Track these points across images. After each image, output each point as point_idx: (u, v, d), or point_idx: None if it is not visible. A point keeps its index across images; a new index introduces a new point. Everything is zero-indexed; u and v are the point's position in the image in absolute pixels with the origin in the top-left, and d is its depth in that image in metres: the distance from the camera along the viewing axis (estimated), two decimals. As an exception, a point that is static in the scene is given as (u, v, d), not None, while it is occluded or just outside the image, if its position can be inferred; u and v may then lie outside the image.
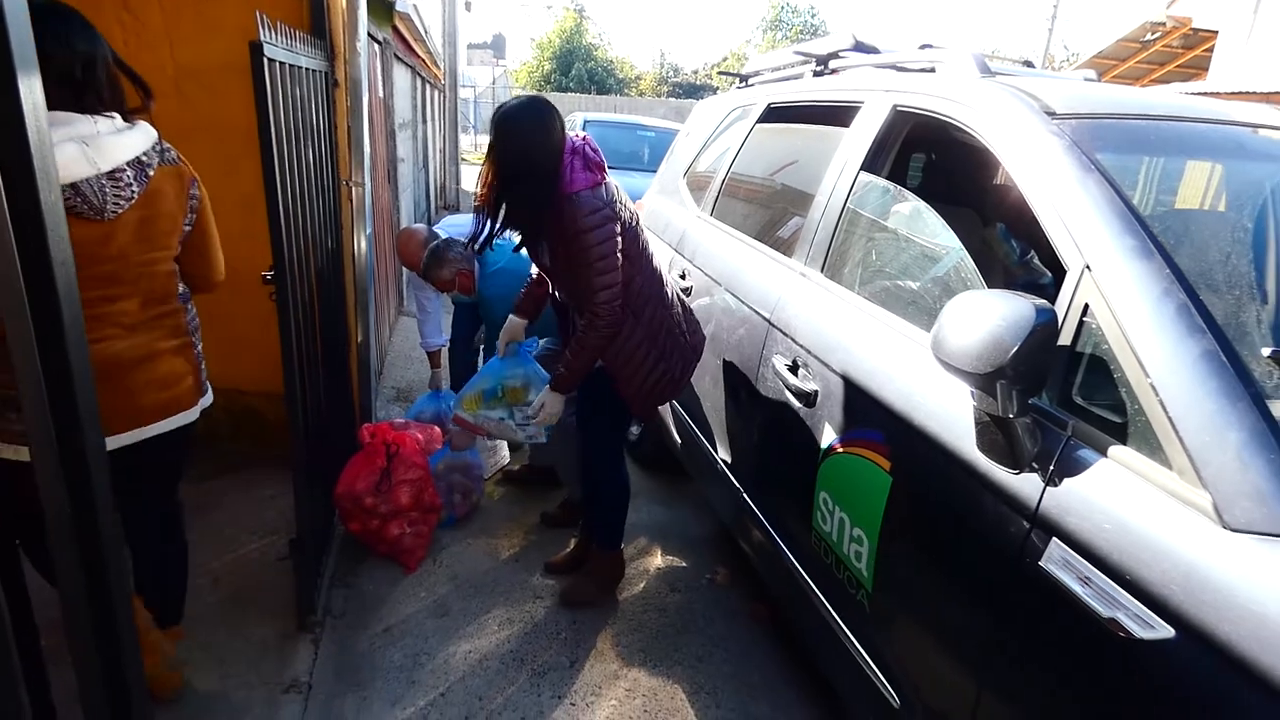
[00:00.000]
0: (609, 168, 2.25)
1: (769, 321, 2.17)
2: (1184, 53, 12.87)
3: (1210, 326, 1.10)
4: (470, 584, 2.66)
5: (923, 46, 2.36)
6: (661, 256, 3.24)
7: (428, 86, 9.32)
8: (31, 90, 0.87)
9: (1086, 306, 1.25)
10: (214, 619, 2.34)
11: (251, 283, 2.40)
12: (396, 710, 2.08)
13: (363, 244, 3.15)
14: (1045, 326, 1.16)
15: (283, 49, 2.09)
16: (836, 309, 1.90)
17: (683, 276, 2.94)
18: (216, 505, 2.97)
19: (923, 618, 1.46)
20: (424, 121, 8.77)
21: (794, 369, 1.98)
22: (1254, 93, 9.27)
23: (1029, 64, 2.71)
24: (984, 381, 1.20)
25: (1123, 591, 1.04)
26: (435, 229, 3.30)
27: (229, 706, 2.05)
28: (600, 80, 27.69)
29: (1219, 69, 10.91)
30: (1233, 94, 9.71)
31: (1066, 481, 1.17)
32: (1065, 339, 1.27)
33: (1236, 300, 1.19)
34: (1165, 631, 0.98)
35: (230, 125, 2.79)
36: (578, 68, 27.52)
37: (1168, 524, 1.03)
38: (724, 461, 2.48)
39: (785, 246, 2.29)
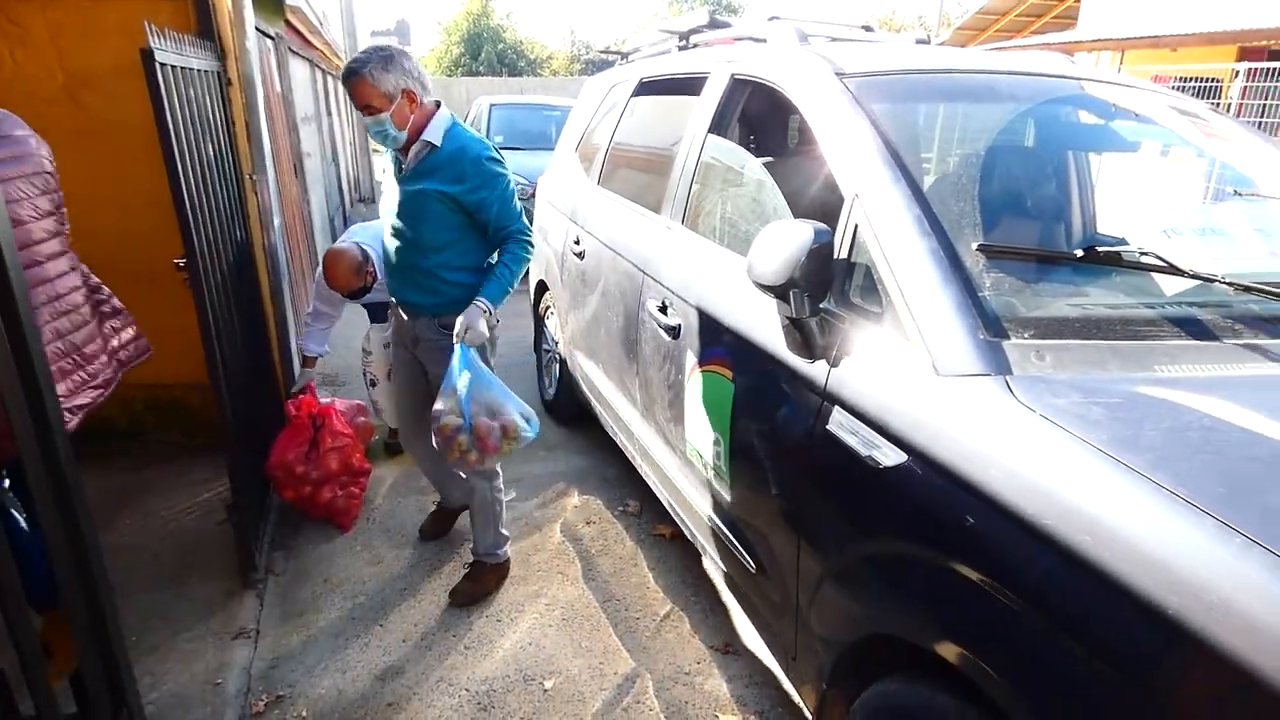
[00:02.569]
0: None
1: (643, 271, 2.47)
2: (1057, 3, 13.68)
3: (936, 230, 1.44)
4: (402, 535, 2.91)
5: (771, 19, 2.67)
6: (559, 227, 3.51)
7: (330, 78, 9.27)
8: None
9: (857, 226, 1.58)
10: (159, 587, 2.55)
11: (167, 279, 2.58)
12: (339, 640, 2.34)
13: (272, 234, 3.32)
14: (823, 245, 1.49)
15: (173, 53, 2.26)
16: (692, 252, 2.21)
17: (577, 243, 3.22)
18: (151, 491, 3.14)
19: (761, 491, 1.79)
20: (329, 114, 8.75)
21: (663, 309, 2.29)
22: (1111, 39, 10.01)
23: (868, 28, 3.06)
24: (782, 292, 1.53)
25: (877, 435, 1.38)
26: (362, 247, 3.15)
27: (180, 655, 2.28)
28: (511, 62, 27.50)
29: (1086, 18, 11.68)
30: (1095, 42, 10.45)
31: (843, 362, 1.50)
32: (843, 253, 1.60)
33: (961, 210, 1.54)
34: (900, 458, 1.32)
35: (127, 127, 2.92)
36: (487, 50, 27.26)
37: (903, 380, 1.37)
38: (619, 399, 2.79)
39: (656, 205, 2.58)
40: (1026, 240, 1.71)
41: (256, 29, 4.14)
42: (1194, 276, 1.40)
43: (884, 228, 1.51)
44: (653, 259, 2.42)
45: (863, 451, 1.39)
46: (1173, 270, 1.40)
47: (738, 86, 2.29)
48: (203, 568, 2.65)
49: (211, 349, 2.36)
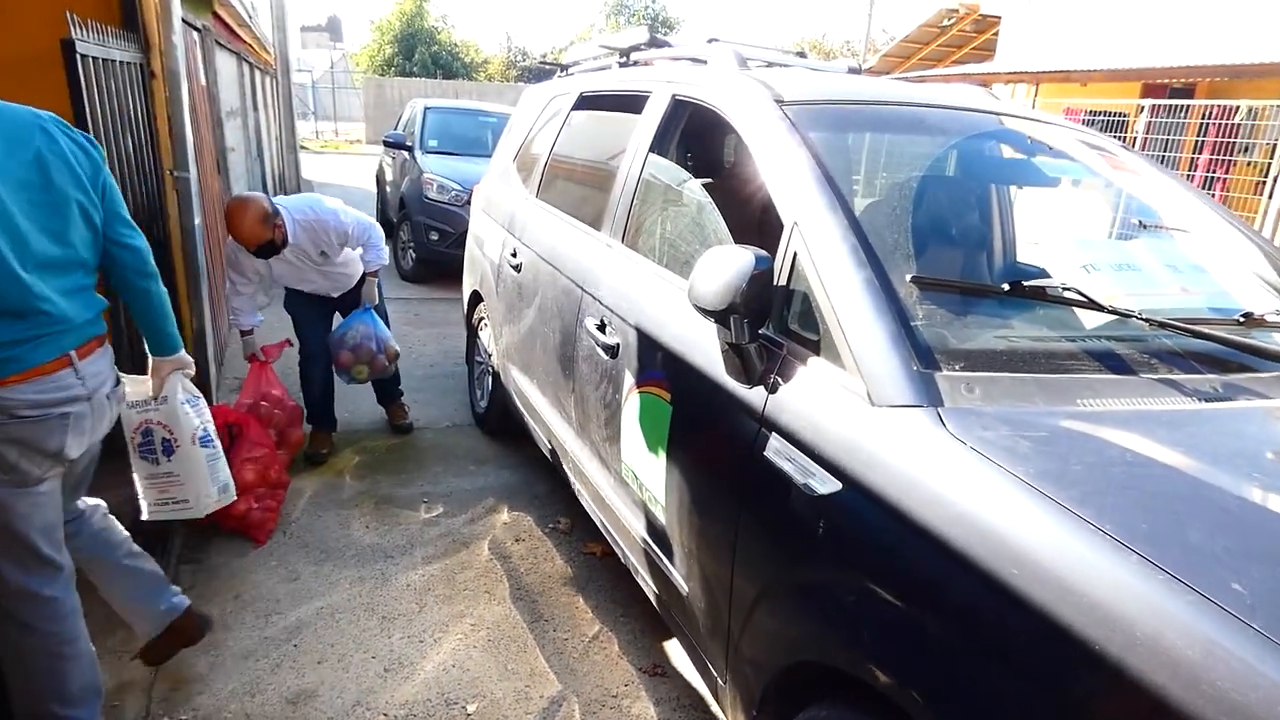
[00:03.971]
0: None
1: (582, 289, 2.45)
2: (977, 36, 14.38)
3: (871, 261, 1.48)
4: (321, 550, 2.80)
5: (710, 40, 2.71)
6: (495, 237, 3.47)
7: (257, 73, 8.95)
8: None
9: (796, 254, 1.60)
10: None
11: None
12: (249, 662, 2.22)
13: (192, 233, 3.16)
14: (763, 272, 1.50)
15: (94, 44, 2.14)
16: (632, 272, 2.21)
17: (514, 255, 3.18)
18: (47, 502, 2.93)
19: (697, 514, 1.79)
20: (255, 109, 8.44)
21: (601, 327, 2.27)
22: (1026, 72, 10.58)
23: (802, 54, 3.14)
24: (723, 317, 1.54)
25: (812, 462, 1.39)
26: (271, 200, 3.16)
27: (77, 680, 2.12)
28: (446, 65, 27.11)
29: (1004, 51, 12.31)
30: (1012, 74, 11.02)
31: (781, 389, 1.52)
32: (782, 280, 1.62)
33: (895, 240, 1.58)
34: (835, 485, 1.33)
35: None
36: (421, 51, 26.82)
37: (839, 409, 1.39)
38: (554, 417, 2.75)
39: (596, 221, 2.57)
40: (954, 271, 1.77)
41: (184, 21, 3.96)
42: (1112, 312, 1.47)
43: (822, 257, 1.53)
44: (592, 276, 2.41)
45: (798, 479, 1.40)
46: (1093, 305, 1.47)
47: (679, 107, 2.31)
48: (101, 585, 2.48)
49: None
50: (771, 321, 1.61)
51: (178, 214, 3.10)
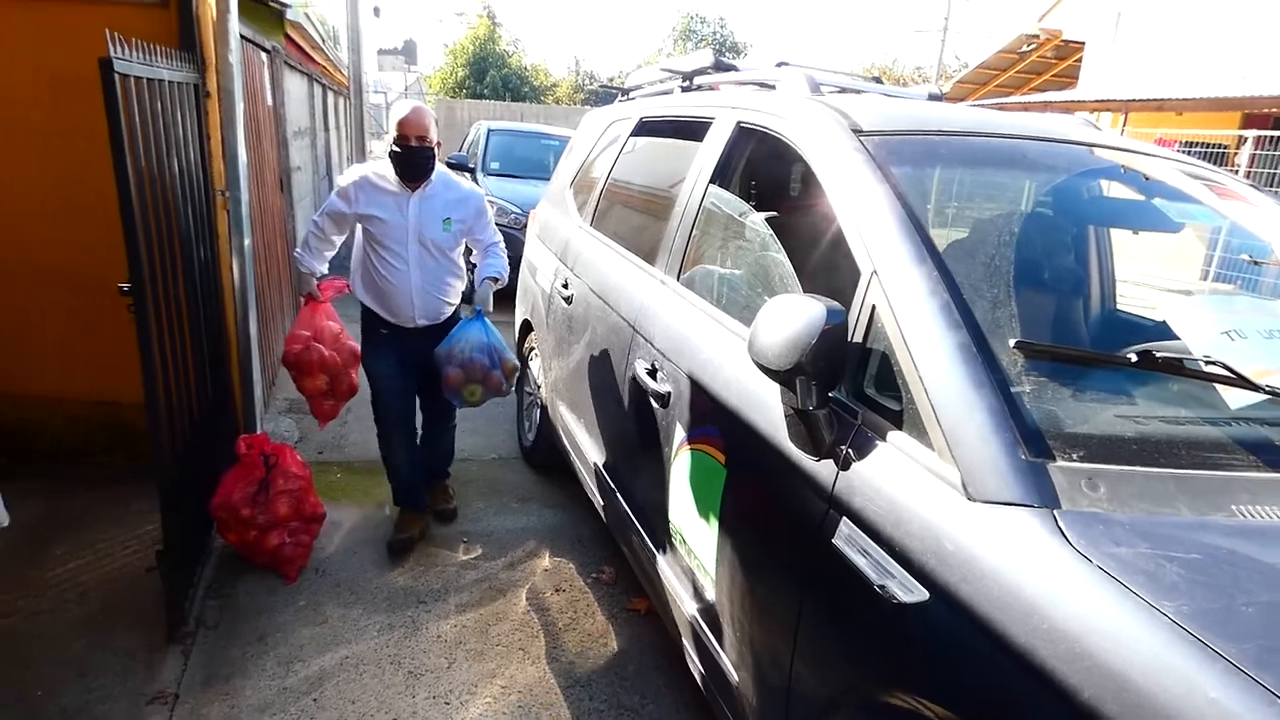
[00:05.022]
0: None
1: (633, 328, 2.27)
2: (1057, 63, 13.81)
3: (967, 321, 1.25)
4: (351, 591, 2.66)
5: (779, 64, 2.52)
6: (548, 266, 3.33)
7: (330, 93, 9.14)
8: None
9: (874, 308, 1.39)
10: (80, 632, 2.31)
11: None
12: (265, 717, 2.08)
13: (242, 252, 3.11)
14: (835, 327, 1.29)
15: (139, 63, 2.07)
16: (686, 314, 2.02)
17: (565, 285, 3.03)
18: (89, 521, 2.89)
19: (751, 597, 1.58)
20: (326, 129, 8.60)
21: (652, 373, 2.09)
22: (1114, 100, 10.05)
23: (878, 80, 2.91)
24: (786, 377, 1.33)
25: (892, 561, 1.17)
26: None
27: (89, 718, 2.02)
28: (515, 88, 27.56)
29: (1087, 78, 11.75)
30: (1098, 102, 10.49)
31: (854, 466, 1.30)
32: (858, 337, 1.41)
33: (994, 296, 1.35)
34: (922, 595, 1.11)
35: (101, 133, 2.73)
36: (492, 74, 27.33)
37: (926, 499, 1.17)
38: (600, 462, 2.57)
39: (650, 255, 2.39)
40: (1065, 335, 1.53)
41: (251, 42, 3.97)
42: (1272, 393, 1.21)
43: (906, 313, 1.32)
44: (644, 315, 2.23)
45: (874, 578, 1.18)
46: (1249, 385, 1.21)
47: (743, 135, 2.12)
48: (130, 613, 2.41)
49: (152, 386, 2.14)
50: (844, 385, 1.40)
51: (227, 234, 3.05)
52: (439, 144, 2.71)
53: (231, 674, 2.24)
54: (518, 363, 2.92)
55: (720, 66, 2.65)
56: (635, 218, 2.81)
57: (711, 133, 2.23)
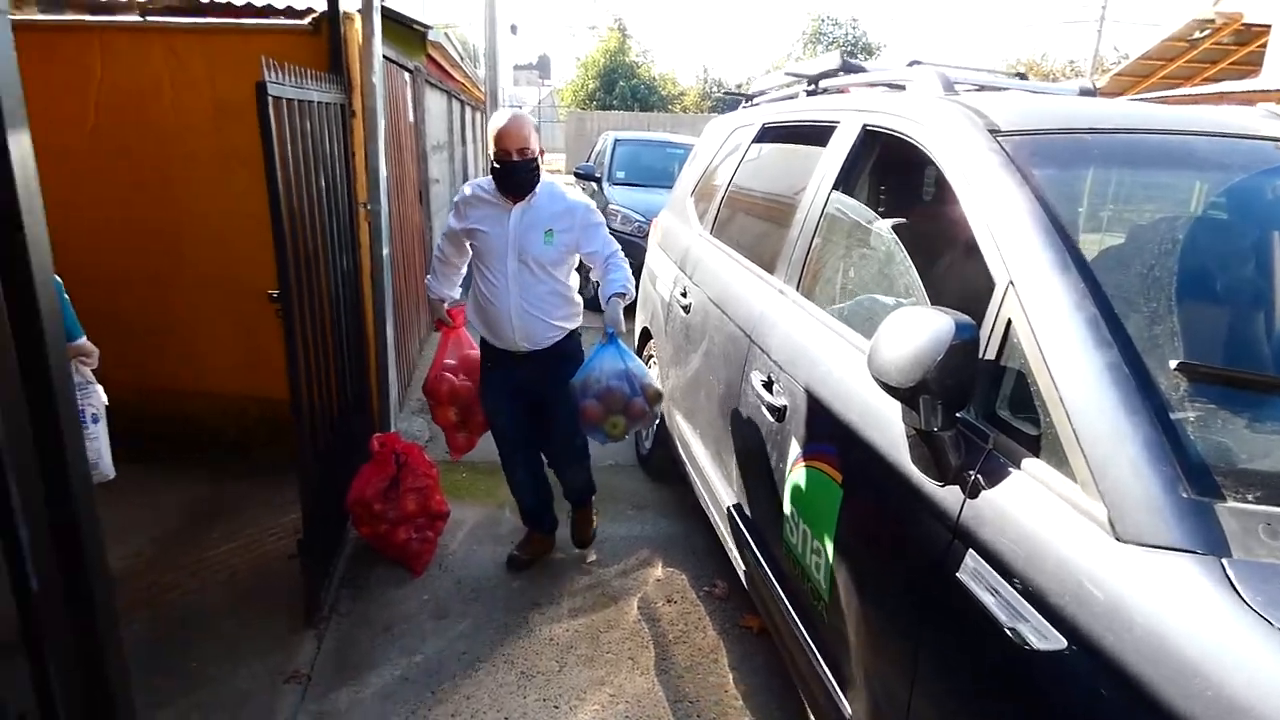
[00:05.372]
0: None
1: (750, 338, 2.22)
2: (1237, 49, 12.39)
3: (1119, 338, 1.12)
4: (472, 589, 2.75)
5: (911, 64, 2.39)
6: (668, 274, 3.32)
7: (468, 108, 9.59)
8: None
9: (1010, 322, 1.28)
10: (230, 612, 2.52)
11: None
12: (387, 705, 2.18)
13: (381, 262, 3.30)
14: (965, 343, 1.20)
15: (291, 86, 2.24)
16: (805, 325, 1.94)
17: (684, 294, 3.01)
18: (242, 508, 3.15)
19: (867, 628, 1.49)
20: (463, 143, 9.03)
21: (769, 385, 2.03)
22: (1309, 94, 8.91)
23: (1022, 76, 2.71)
24: (910, 395, 1.25)
25: (1025, 603, 1.06)
26: None
27: (234, 691, 2.21)
28: (643, 98, 27.96)
29: (1273, 65, 10.50)
30: (1288, 95, 9.34)
31: (983, 494, 1.20)
32: (991, 354, 1.30)
33: (1154, 312, 1.21)
34: (1059, 644, 1.00)
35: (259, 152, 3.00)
36: (621, 85, 27.86)
37: (1066, 535, 1.05)
38: (713, 475, 2.53)
39: (769, 264, 2.33)
40: (1241, 356, 1.35)
41: (395, 62, 4.23)
42: None
43: (1047, 328, 1.20)
44: (761, 325, 2.17)
45: (1003, 619, 1.08)
46: None
47: (869, 139, 2.02)
48: (272, 597, 2.59)
49: (296, 380, 2.31)
50: (973, 405, 1.30)
51: (369, 244, 3.25)
52: (541, 152, 2.55)
53: (359, 661, 2.36)
54: (660, 386, 2.63)
55: (847, 68, 2.55)
56: (755, 225, 2.75)
57: (836, 137, 2.14)
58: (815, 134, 2.31)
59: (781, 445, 1.91)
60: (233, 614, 2.51)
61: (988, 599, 1.12)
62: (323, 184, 2.63)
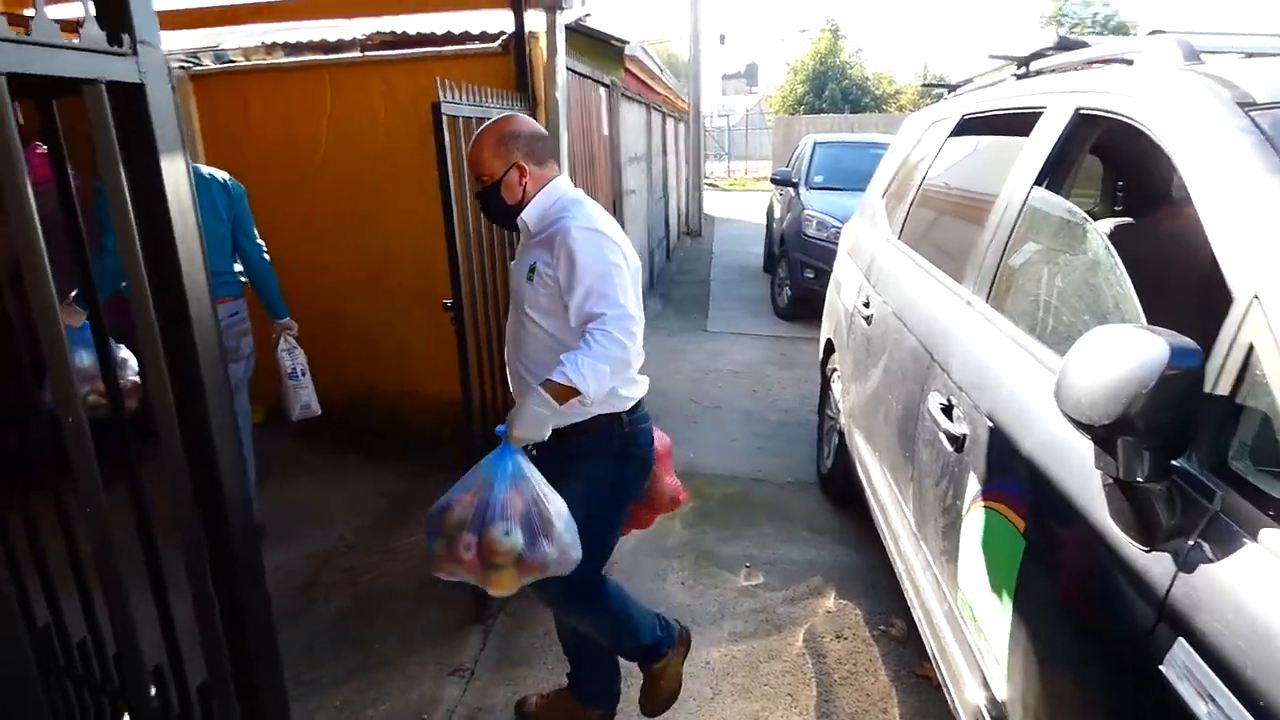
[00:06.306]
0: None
1: (931, 355, 1.98)
2: None
3: None
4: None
5: (1152, 33, 2.02)
6: (852, 282, 3.10)
7: (669, 120, 9.75)
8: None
9: (1252, 347, 0.99)
10: (412, 599, 2.70)
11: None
12: (537, 712, 2.19)
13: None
14: (1185, 371, 0.94)
15: (469, 105, 2.34)
16: (992, 341, 1.69)
17: (866, 304, 2.78)
18: (431, 500, 3.35)
19: (1046, 707, 1.24)
20: (663, 153, 9.19)
21: (948, 410, 1.79)
22: None
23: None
24: (1105, 435, 1.01)
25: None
26: None
27: (403, 677, 2.34)
28: (855, 99, 26.88)
29: None
30: None
31: (1203, 568, 0.93)
32: (1223, 387, 1.02)
33: None
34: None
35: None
36: (831, 88, 26.98)
37: (1321, 638, 0.78)
38: (889, 504, 2.30)
39: (957, 271, 2.07)
40: None
41: (589, 78, 4.37)
42: None
43: (1307, 357, 0.91)
44: (943, 341, 1.92)
45: (1222, 737, 0.82)
46: None
47: (1082, 124, 1.71)
48: (449, 592, 2.71)
49: (467, 383, 2.42)
50: (1195, 452, 1.02)
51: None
52: (522, 169, 1.80)
53: (518, 660, 2.41)
54: (572, 539, 1.66)
55: (1065, 45, 2.21)
56: (944, 229, 2.47)
57: (1041, 125, 1.84)
58: (1018, 122, 2.01)
59: (959, 480, 1.66)
60: (411, 602, 2.67)
61: (1199, 707, 0.86)
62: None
